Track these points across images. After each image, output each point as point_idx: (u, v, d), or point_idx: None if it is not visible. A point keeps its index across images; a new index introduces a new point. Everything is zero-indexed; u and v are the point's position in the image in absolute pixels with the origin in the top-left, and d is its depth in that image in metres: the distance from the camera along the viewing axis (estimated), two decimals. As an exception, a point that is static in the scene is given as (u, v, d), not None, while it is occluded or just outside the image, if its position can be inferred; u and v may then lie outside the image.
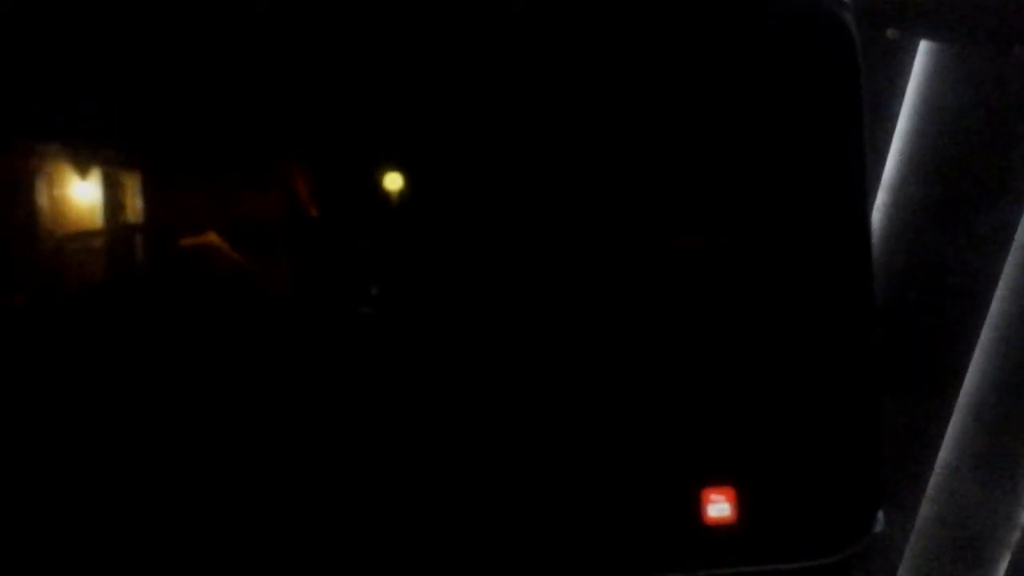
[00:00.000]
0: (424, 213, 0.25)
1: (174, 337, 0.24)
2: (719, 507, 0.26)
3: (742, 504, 0.26)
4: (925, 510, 0.41)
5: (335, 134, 0.24)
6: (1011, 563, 0.41)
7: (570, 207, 0.25)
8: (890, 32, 0.35)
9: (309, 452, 0.24)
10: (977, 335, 0.39)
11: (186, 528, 0.24)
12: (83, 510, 0.23)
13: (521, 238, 0.25)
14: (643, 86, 0.25)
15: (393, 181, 0.25)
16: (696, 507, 0.26)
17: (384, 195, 0.25)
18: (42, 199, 0.24)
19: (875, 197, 0.36)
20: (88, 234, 0.24)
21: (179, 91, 0.24)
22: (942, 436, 0.40)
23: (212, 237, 0.24)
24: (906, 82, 0.36)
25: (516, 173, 0.25)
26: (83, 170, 0.24)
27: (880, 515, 0.26)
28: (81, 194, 0.24)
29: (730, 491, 0.26)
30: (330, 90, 0.24)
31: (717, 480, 0.26)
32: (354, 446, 0.25)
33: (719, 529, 0.26)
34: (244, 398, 0.24)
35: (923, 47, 0.36)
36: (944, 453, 0.40)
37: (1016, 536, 0.41)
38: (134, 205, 0.24)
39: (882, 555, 0.41)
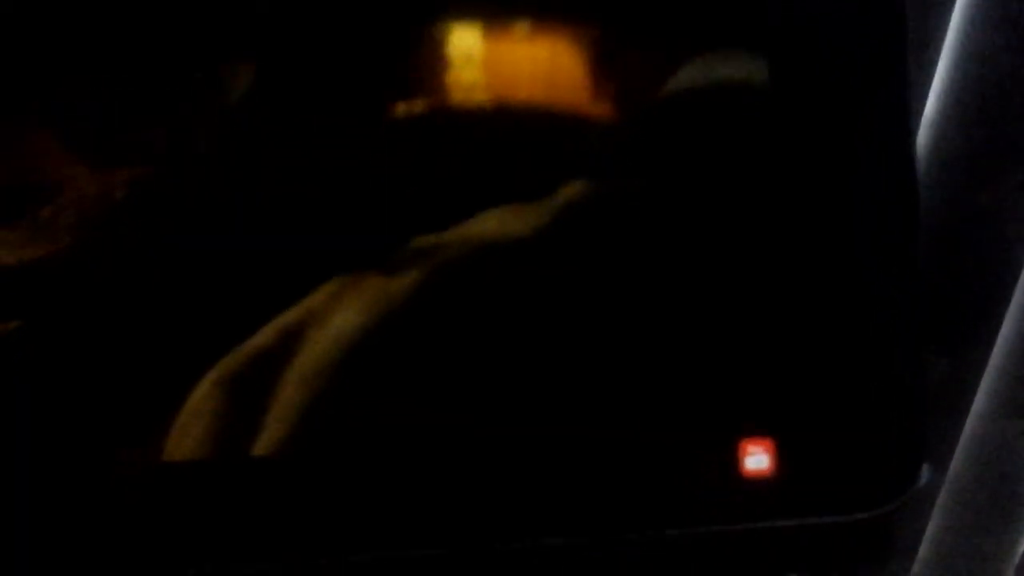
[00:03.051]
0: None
1: None
2: (757, 459, 0.25)
3: (781, 456, 0.25)
4: (958, 461, 0.41)
5: None
6: (1046, 515, 0.41)
7: None
8: (932, -28, 0.34)
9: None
10: (1014, 284, 0.38)
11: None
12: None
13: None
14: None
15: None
16: (734, 459, 0.25)
17: None
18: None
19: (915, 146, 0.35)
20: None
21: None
22: (977, 386, 0.39)
23: None
24: (946, 26, 0.35)
25: None
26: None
27: (925, 468, 0.26)
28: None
29: (769, 443, 0.25)
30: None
31: (755, 432, 0.25)
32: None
33: (757, 482, 0.25)
34: None
35: (965, -12, 0.35)
36: (978, 403, 0.40)
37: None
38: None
39: (915, 506, 0.40)
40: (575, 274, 0.25)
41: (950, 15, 0.35)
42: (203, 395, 0.24)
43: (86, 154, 0.23)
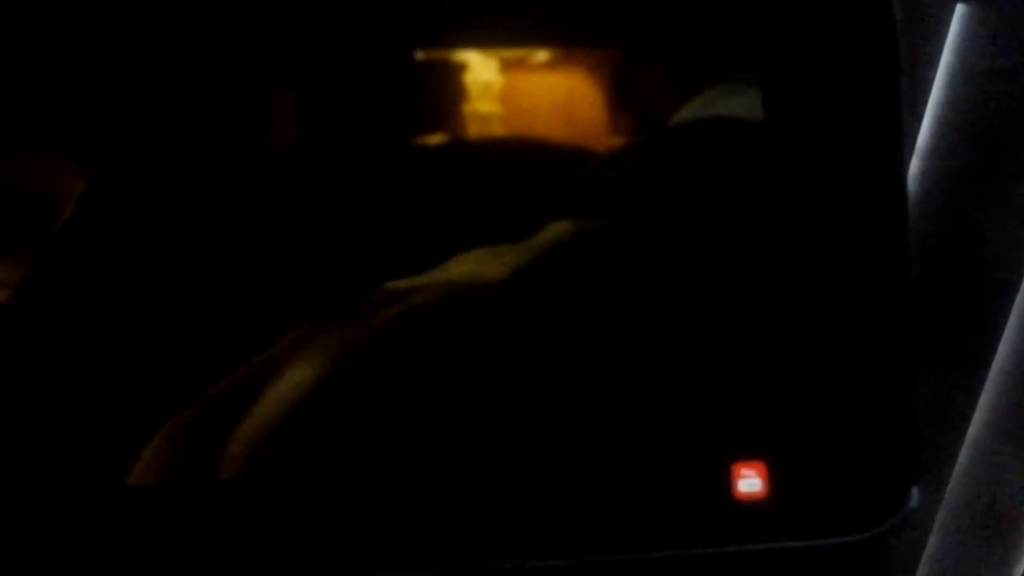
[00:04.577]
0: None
1: None
2: (750, 482, 0.25)
3: (774, 479, 0.25)
4: (955, 483, 0.40)
5: None
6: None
7: None
8: (926, -6, 0.34)
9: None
10: (1011, 305, 0.38)
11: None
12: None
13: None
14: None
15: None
16: (726, 482, 0.25)
17: None
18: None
19: (910, 164, 0.35)
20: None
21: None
22: (973, 408, 0.39)
23: None
24: (942, 46, 0.35)
25: None
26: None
27: (915, 491, 0.26)
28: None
29: (761, 466, 0.25)
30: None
31: (748, 454, 0.25)
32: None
33: (750, 504, 0.25)
34: None
35: (959, 10, 0.35)
36: (975, 425, 0.40)
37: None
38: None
39: (912, 528, 0.40)
40: (556, 309, 0.24)
41: (945, 35, 0.35)
42: (157, 446, 0.23)
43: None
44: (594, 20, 0.24)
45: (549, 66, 0.24)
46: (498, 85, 0.24)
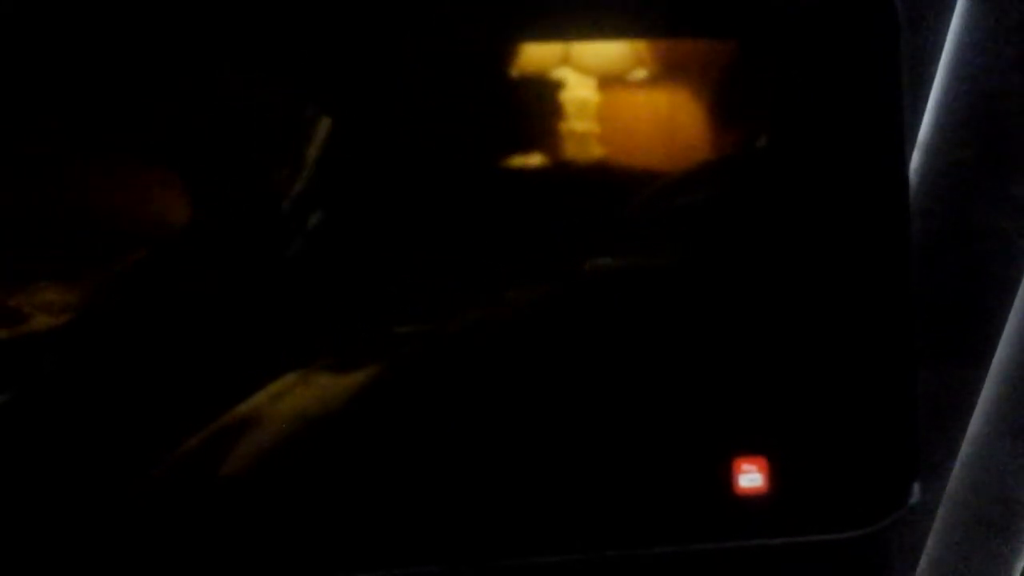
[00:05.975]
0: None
1: None
2: (750, 477, 0.25)
3: (774, 474, 0.25)
4: (956, 478, 0.40)
5: None
6: (1044, 532, 0.41)
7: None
8: (927, -10, 0.34)
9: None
10: (1011, 301, 0.38)
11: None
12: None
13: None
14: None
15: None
16: (727, 477, 0.25)
17: None
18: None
19: (910, 160, 0.35)
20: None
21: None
22: (974, 404, 0.39)
23: None
24: (943, 42, 0.35)
25: None
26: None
27: (916, 486, 0.26)
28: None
29: (762, 461, 0.25)
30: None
31: (749, 450, 0.25)
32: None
33: (750, 500, 0.25)
34: None
35: (961, 6, 0.35)
36: (976, 421, 0.40)
37: (1049, 505, 0.41)
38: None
39: (912, 523, 0.40)
40: (574, 330, 0.25)
41: (947, 31, 0.35)
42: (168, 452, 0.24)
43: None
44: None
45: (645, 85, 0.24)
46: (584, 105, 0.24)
